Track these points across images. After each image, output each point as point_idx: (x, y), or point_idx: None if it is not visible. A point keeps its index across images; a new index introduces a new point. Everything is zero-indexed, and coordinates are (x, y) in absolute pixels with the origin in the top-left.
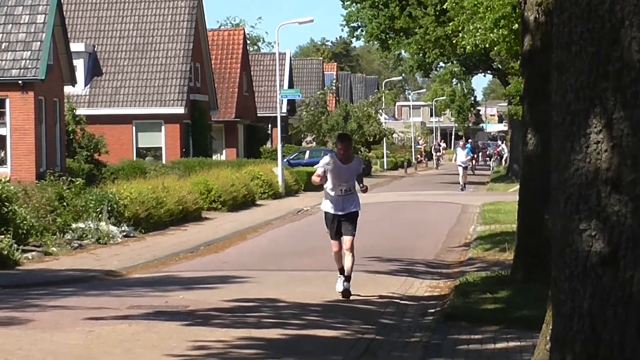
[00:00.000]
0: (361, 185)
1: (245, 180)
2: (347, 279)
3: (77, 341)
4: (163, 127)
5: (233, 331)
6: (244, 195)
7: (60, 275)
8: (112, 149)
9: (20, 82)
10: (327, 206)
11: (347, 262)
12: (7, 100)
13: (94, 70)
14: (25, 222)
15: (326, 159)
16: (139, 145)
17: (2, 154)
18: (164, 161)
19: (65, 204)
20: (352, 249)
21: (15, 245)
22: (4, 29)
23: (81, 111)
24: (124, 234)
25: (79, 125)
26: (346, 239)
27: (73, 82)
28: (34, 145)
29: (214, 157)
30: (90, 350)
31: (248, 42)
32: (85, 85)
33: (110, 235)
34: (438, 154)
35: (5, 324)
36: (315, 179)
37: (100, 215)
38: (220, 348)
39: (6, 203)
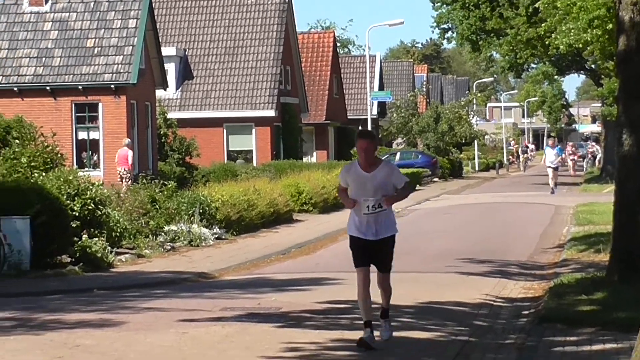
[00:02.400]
0: (389, 196)
1: (336, 182)
2: (384, 314)
3: (170, 343)
4: (254, 130)
5: (326, 333)
6: (334, 197)
7: (153, 277)
8: (203, 151)
9: (112, 86)
10: (353, 228)
11: (383, 296)
12: (100, 105)
13: (185, 73)
14: (118, 224)
15: (345, 168)
16: (230, 148)
17: (95, 158)
18: (254, 164)
19: (157, 206)
20: (387, 285)
21: (109, 248)
22: (96, 34)
23: (172, 114)
24: (216, 236)
25: (170, 129)
26: (381, 276)
27: (164, 85)
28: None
29: (305, 160)
30: (184, 352)
31: (338, 44)
32: (177, 89)
33: (203, 238)
34: (525, 155)
35: (99, 326)
36: (342, 194)
37: (192, 218)
38: (313, 350)
39: (100, 206)
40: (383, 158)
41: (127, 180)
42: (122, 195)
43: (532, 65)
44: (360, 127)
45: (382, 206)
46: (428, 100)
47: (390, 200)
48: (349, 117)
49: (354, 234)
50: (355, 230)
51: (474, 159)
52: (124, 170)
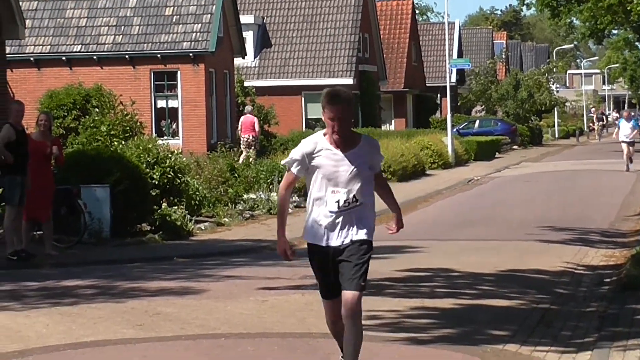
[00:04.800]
0: (400, 221)
1: (414, 150)
2: None
3: (250, 311)
4: None
5: (406, 301)
6: (413, 165)
7: (232, 245)
8: (281, 120)
9: (191, 54)
10: (311, 233)
11: (347, 338)
12: (179, 73)
13: (263, 42)
14: (197, 193)
15: (304, 144)
16: (308, 116)
17: (174, 126)
18: None
19: (236, 175)
20: (356, 314)
21: (189, 216)
22: (175, 2)
23: (250, 83)
24: (295, 204)
25: (248, 97)
26: (348, 297)
27: (243, 54)
28: (205, 117)
29: (383, 128)
30: (264, 320)
31: (417, 11)
32: (255, 57)
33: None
34: (601, 122)
35: (180, 294)
36: (281, 191)
37: (271, 186)
38: (393, 318)
39: (179, 175)
40: (461, 126)
41: (256, 147)
42: (250, 161)
43: (613, 31)
44: (439, 94)
45: (357, 200)
46: (507, 67)
47: (400, 215)
48: (427, 84)
49: (313, 241)
50: (315, 235)
51: (553, 126)
52: (251, 137)
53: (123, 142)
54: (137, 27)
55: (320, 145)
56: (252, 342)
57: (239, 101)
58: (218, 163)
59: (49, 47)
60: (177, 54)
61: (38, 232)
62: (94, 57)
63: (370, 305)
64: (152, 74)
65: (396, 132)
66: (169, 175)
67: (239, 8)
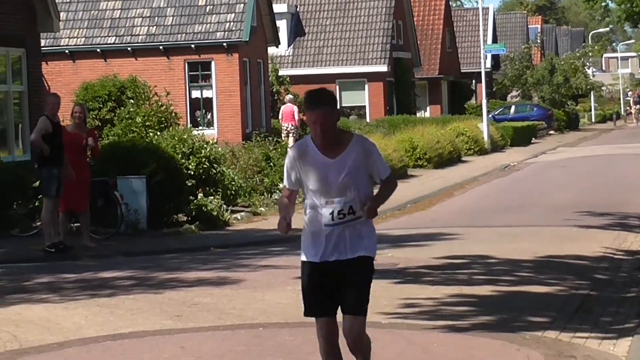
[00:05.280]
0: (370, 202)
1: (450, 136)
2: None
3: (288, 300)
4: (366, 86)
5: (444, 288)
6: (449, 151)
7: (269, 235)
8: None
9: (224, 44)
10: (306, 249)
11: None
12: (213, 63)
13: (296, 30)
14: (233, 183)
15: (291, 152)
16: (343, 104)
17: (209, 116)
18: (367, 119)
19: (272, 164)
20: (361, 343)
21: (225, 206)
22: None
23: (285, 72)
24: None
25: (283, 86)
26: (351, 323)
27: (276, 43)
28: (240, 106)
29: (418, 115)
30: (301, 309)
31: None
32: (289, 46)
33: None
34: (638, 106)
35: (217, 284)
36: (282, 204)
37: None
38: (431, 305)
39: (215, 164)
40: (496, 112)
41: (295, 135)
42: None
43: None
44: (473, 80)
45: (354, 211)
46: (542, 52)
47: (373, 207)
48: (462, 70)
49: (307, 259)
50: (308, 251)
51: (590, 110)
52: (291, 126)
53: (158, 133)
54: (171, 17)
55: (307, 150)
56: (290, 332)
57: (274, 90)
58: (253, 152)
59: (83, 39)
60: (211, 44)
61: (75, 224)
62: (129, 49)
63: (407, 293)
64: (187, 64)
65: (431, 119)
66: (205, 166)
67: None
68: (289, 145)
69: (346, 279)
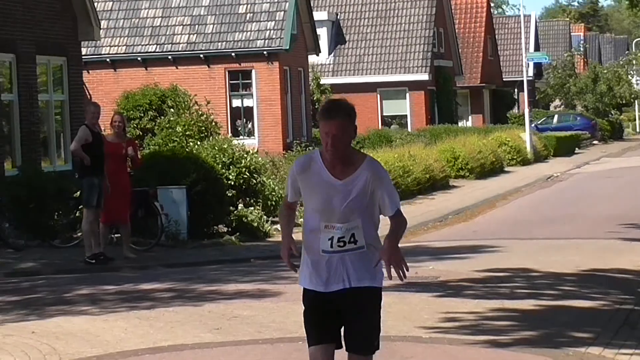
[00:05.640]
0: (388, 248)
1: (492, 146)
2: None
3: None
4: (407, 95)
5: (485, 302)
6: (491, 162)
7: None
8: (357, 117)
9: (265, 52)
10: (305, 275)
11: None
12: (253, 72)
13: (337, 38)
14: (273, 193)
15: (299, 164)
16: (384, 113)
17: (250, 126)
18: (409, 129)
19: None
20: None
21: (265, 217)
22: (248, 0)
23: (326, 80)
24: None
25: (324, 94)
26: None
27: (317, 51)
28: (281, 115)
29: (460, 124)
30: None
31: (492, 4)
32: (329, 54)
33: None
34: None
35: (257, 297)
36: (282, 218)
37: None
38: (473, 320)
39: (255, 175)
40: (539, 122)
41: None
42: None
43: None
44: (516, 89)
45: (355, 240)
46: (586, 60)
47: (396, 254)
48: (504, 79)
49: (307, 286)
50: (308, 278)
51: (634, 120)
52: None
53: (199, 143)
54: (211, 25)
55: (313, 165)
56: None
57: (315, 99)
58: None
59: (124, 47)
60: (252, 52)
61: (116, 235)
62: (169, 57)
63: (448, 306)
64: (227, 72)
65: (473, 128)
66: (245, 176)
67: (312, 5)
68: None
69: (350, 313)
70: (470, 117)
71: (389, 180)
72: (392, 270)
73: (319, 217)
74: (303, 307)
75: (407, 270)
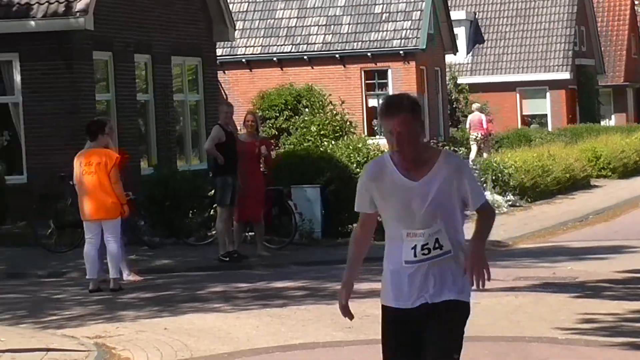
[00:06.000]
0: (473, 250)
1: (636, 146)
2: None
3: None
4: (548, 94)
5: (625, 304)
6: (634, 161)
7: None
8: (495, 117)
9: (401, 52)
10: (385, 291)
11: None
12: (389, 71)
13: (475, 38)
14: None
15: (365, 170)
16: (524, 113)
17: None
18: (549, 128)
19: None
20: None
21: None
22: (384, 0)
23: (463, 79)
24: (510, 203)
25: (461, 94)
26: None
27: (454, 50)
28: None
29: (602, 123)
30: (475, 323)
31: (636, 2)
32: (467, 54)
33: (496, 205)
34: None
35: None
36: (356, 240)
37: (484, 185)
38: (612, 321)
39: None
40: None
41: (481, 144)
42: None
43: None
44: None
45: (441, 245)
46: None
47: (480, 257)
48: None
49: (388, 304)
50: (390, 295)
51: None
52: (479, 135)
53: (333, 142)
54: (347, 25)
55: (385, 170)
56: (483, 345)
57: (452, 98)
58: None
59: (260, 48)
60: (388, 52)
61: (250, 233)
62: (305, 57)
63: (586, 308)
64: (363, 72)
65: (616, 127)
66: None
67: (449, 4)
68: (470, 157)
69: (432, 329)
70: (613, 116)
71: (470, 171)
72: (470, 267)
73: (399, 225)
74: (381, 327)
75: (489, 279)
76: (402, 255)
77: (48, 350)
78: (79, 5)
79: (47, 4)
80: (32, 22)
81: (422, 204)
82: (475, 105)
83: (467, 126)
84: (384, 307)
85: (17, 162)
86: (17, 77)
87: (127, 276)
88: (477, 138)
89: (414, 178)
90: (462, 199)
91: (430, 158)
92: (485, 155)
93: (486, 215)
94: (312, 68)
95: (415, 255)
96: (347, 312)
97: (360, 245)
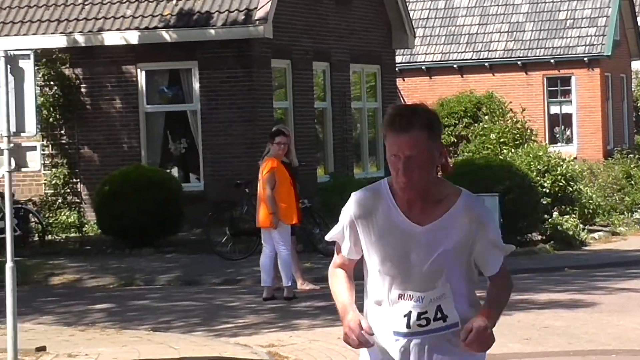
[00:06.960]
0: (480, 322)
1: None
2: None
3: None
4: None
5: None
6: None
7: (628, 256)
8: None
9: (585, 59)
10: None
11: None
12: (573, 78)
13: None
14: (591, 201)
15: (353, 200)
16: None
17: (569, 133)
18: None
19: (633, 182)
20: None
21: (581, 226)
22: (568, 6)
23: None
24: None
25: None
26: None
27: None
28: (601, 122)
29: None
30: None
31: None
32: None
33: None
34: None
35: (570, 307)
36: (334, 280)
37: None
38: None
39: (571, 182)
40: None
41: None
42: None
43: None
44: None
45: (444, 316)
46: None
47: (487, 333)
48: None
49: None
50: None
51: None
52: None
53: (512, 150)
54: (530, 32)
55: (380, 203)
56: None
57: (639, 105)
58: (613, 170)
59: (440, 55)
60: (571, 59)
61: None
62: (486, 64)
63: None
64: (545, 79)
65: None
66: (561, 183)
67: (636, 9)
68: None
69: None
70: None
71: (496, 226)
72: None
73: (389, 283)
74: None
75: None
76: (389, 323)
77: (221, 359)
78: (258, 14)
79: (227, 12)
80: (212, 31)
81: (426, 257)
82: None
83: None
84: None
85: (194, 170)
86: (196, 85)
87: (301, 285)
88: None
89: (418, 220)
90: (473, 258)
91: (446, 198)
92: None
93: (502, 286)
94: (493, 75)
95: (408, 326)
96: (361, 334)
97: (343, 278)
